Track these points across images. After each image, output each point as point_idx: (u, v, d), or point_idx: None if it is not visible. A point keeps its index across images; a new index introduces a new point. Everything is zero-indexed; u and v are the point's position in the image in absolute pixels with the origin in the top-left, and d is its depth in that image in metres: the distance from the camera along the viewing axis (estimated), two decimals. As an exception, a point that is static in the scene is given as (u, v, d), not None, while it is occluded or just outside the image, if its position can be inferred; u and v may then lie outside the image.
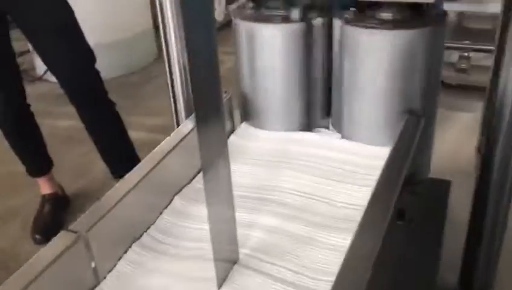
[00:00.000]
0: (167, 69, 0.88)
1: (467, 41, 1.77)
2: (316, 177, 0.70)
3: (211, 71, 0.48)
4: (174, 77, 0.88)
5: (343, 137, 0.78)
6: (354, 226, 0.51)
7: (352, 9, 0.69)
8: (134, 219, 0.62)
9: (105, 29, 3.27)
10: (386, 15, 0.69)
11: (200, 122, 0.48)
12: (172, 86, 0.89)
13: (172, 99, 0.90)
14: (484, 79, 0.83)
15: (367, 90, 0.71)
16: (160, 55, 4.10)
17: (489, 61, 0.77)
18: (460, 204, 0.73)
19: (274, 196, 0.68)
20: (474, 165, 0.72)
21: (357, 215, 0.53)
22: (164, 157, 0.66)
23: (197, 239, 0.63)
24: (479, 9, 1.55)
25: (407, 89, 0.71)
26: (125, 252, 0.60)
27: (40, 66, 3.25)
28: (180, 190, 0.71)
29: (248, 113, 0.83)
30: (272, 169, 0.73)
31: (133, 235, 0.62)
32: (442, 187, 0.74)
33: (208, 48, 0.47)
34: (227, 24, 0.84)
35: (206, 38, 0.46)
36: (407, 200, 0.70)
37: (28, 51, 3.34)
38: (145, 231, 0.64)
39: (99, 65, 1.98)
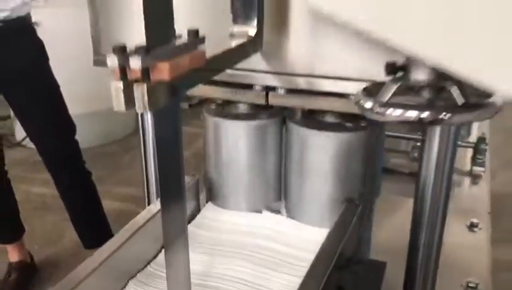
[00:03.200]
0: (141, 142, 0.97)
1: (419, 133, 1.95)
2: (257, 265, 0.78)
3: (175, 160, 0.58)
4: (147, 150, 0.98)
5: (292, 218, 0.89)
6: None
7: (300, 111, 0.83)
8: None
9: (86, 99, 3.40)
10: (329, 118, 0.83)
11: (164, 208, 0.58)
12: (145, 159, 0.98)
13: (144, 173, 0.99)
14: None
15: (312, 179, 0.83)
16: (138, 126, 4.18)
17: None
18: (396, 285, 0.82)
19: (216, 283, 0.75)
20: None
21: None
22: (127, 240, 0.74)
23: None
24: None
25: (348, 181, 0.83)
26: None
27: (19, 132, 3.32)
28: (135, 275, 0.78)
29: (212, 194, 0.94)
30: (220, 258, 0.80)
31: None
32: (378, 268, 0.84)
33: (173, 139, 0.57)
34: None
35: (171, 130, 0.56)
36: (347, 278, 0.80)
37: (9, 117, 3.43)
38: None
39: (78, 134, 2.09)
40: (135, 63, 0.45)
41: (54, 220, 2.53)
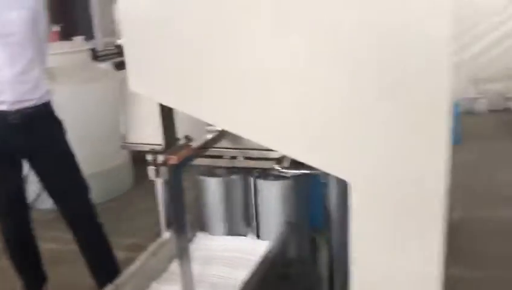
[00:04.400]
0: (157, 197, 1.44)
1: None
2: None
3: (180, 206, 1.07)
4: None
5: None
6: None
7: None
8: None
9: (89, 162, 3.86)
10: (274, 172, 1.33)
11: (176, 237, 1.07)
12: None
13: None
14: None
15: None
16: (136, 183, 4.78)
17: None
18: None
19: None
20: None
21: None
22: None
23: None
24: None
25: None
26: None
27: (30, 193, 3.75)
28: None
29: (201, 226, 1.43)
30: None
31: None
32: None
33: (180, 193, 1.07)
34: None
35: (179, 187, 1.06)
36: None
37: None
38: None
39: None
40: (161, 158, 0.95)
41: (65, 272, 2.92)
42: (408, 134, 0.77)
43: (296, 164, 1.12)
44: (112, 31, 6.66)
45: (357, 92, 0.75)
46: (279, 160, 1.15)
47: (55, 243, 3.35)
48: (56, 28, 4.13)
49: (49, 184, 2.49)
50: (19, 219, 2.49)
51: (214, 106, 0.83)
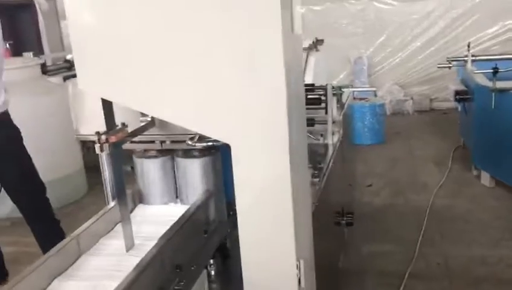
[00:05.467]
0: (102, 172, 1.81)
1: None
2: None
3: (121, 180, 1.46)
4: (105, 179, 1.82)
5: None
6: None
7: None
8: None
9: (43, 170, 4.15)
10: (195, 153, 1.74)
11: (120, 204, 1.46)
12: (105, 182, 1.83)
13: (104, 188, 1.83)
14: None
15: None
16: (90, 189, 5.20)
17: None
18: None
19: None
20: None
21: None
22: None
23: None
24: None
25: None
26: None
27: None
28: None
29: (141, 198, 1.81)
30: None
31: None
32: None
33: (120, 169, 1.46)
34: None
35: (119, 164, 1.45)
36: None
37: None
38: None
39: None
40: (103, 138, 1.34)
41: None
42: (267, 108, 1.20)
43: (202, 139, 1.54)
44: (60, 46, 6.92)
45: (229, 78, 1.18)
46: (192, 138, 1.57)
47: (15, 246, 3.63)
48: (5, 45, 4.42)
49: (8, 184, 2.81)
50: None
51: (137, 96, 1.24)
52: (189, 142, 1.60)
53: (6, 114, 2.78)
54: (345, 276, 3.23)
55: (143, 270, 1.26)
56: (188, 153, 1.73)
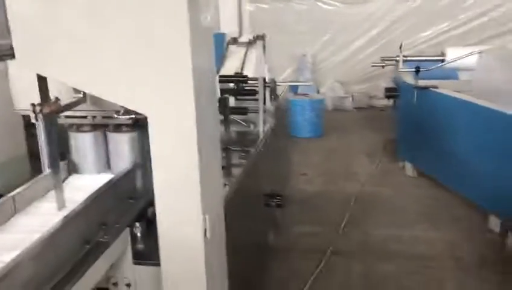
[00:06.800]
0: (40, 143, 2.00)
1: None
2: None
3: (55, 151, 1.65)
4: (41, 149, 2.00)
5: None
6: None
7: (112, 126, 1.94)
8: None
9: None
10: (125, 129, 1.94)
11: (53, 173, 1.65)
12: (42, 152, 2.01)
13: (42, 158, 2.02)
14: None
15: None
16: (33, 176, 5.16)
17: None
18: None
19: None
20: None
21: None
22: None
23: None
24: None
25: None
26: None
27: None
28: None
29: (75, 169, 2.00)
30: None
31: None
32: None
33: (55, 138, 1.65)
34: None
35: (54, 132, 1.65)
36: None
37: None
38: None
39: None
40: (37, 108, 1.53)
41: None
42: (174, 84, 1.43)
43: (127, 113, 1.77)
44: (5, 32, 6.85)
45: (144, 58, 1.41)
46: (118, 112, 1.79)
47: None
48: None
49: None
50: None
51: (68, 72, 1.45)
52: (115, 116, 1.81)
53: None
54: (273, 252, 3.52)
55: (69, 222, 1.47)
56: (118, 128, 1.94)
